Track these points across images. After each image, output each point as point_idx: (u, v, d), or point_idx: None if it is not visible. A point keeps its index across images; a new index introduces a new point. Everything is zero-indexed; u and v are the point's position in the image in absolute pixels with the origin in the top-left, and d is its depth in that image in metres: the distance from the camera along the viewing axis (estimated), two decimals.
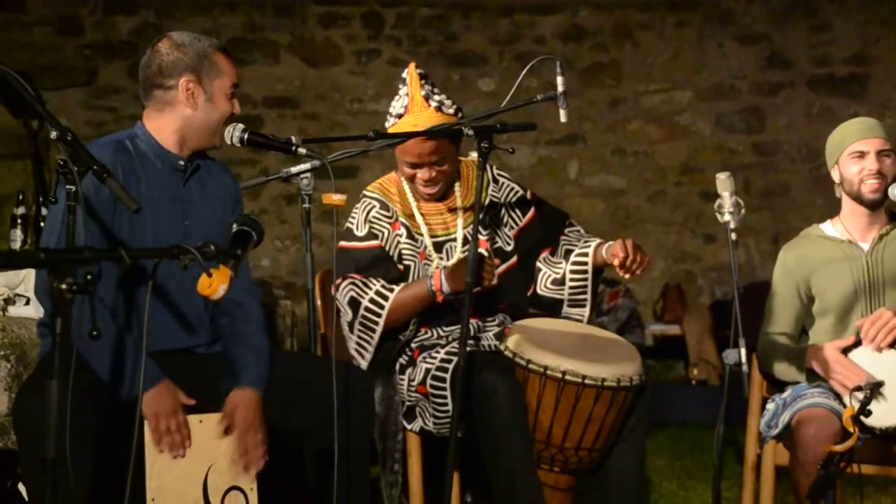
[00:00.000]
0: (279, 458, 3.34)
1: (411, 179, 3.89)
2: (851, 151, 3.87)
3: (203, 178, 3.40)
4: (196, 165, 3.38)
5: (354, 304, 3.78)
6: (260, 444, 3.21)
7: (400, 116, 3.84)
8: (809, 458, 3.47)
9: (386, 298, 3.77)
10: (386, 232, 3.87)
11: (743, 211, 3.77)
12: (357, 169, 8.18)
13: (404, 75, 3.89)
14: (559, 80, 3.68)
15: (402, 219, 3.89)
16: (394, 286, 3.79)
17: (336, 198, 3.29)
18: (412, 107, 3.82)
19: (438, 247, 3.92)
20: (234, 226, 2.98)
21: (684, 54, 8.45)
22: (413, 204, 3.94)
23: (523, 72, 3.67)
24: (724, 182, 3.75)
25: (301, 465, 3.41)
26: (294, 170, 3.59)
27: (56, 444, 2.31)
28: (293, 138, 3.28)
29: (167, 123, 3.29)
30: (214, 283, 2.69)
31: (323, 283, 4.09)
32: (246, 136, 3.30)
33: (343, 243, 3.89)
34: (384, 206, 3.90)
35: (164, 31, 3.42)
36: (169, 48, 3.28)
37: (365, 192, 3.96)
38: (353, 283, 3.79)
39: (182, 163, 3.33)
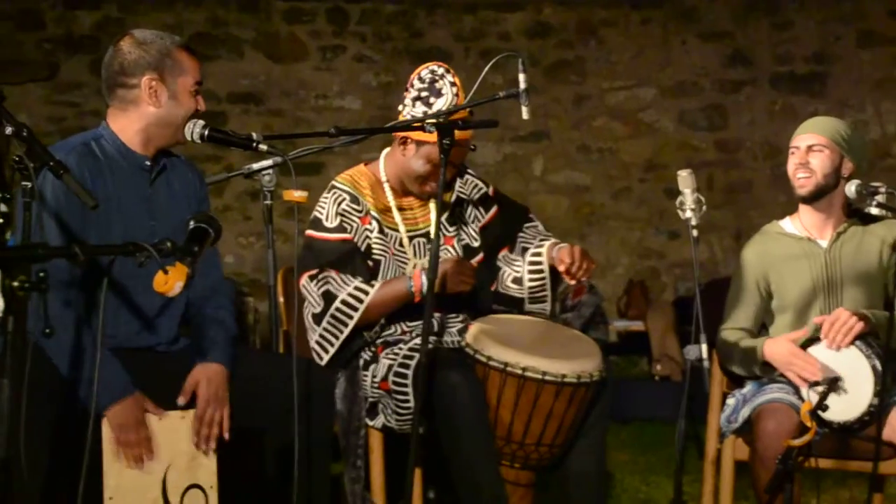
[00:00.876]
0: (240, 455, 3.33)
1: (425, 179, 3.86)
2: (790, 148, 3.93)
3: (169, 177, 3.39)
4: (163, 165, 3.37)
5: (329, 297, 3.75)
6: (220, 420, 3.21)
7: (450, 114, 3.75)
8: (768, 452, 3.49)
9: (366, 293, 3.74)
10: (356, 226, 3.84)
11: (704, 207, 3.79)
12: (322, 165, 8.16)
13: (447, 75, 3.83)
14: (521, 76, 3.68)
15: (373, 213, 3.87)
16: (372, 283, 3.78)
17: (297, 194, 3.29)
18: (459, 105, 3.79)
19: (409, 242, 3.91)
20: (191, 223, 2.97)
21: (648, 52, 8.48)
22: (391, 198, 3.93)
23: (485, 69, 3.68)
24: (685, 179, 3.77)
25: (262, 462, 3.40)
26: (256, 166, 3.59)
27: (9, 444, 2.29)
28: (254, 135, 3.27)
29: (131, 123, 3.28)
30: (171, 281, 2.68)
31: (286, 279, 4.08)
32: (206, 133, 3.29)
33: (311, 232, 3.86)
34: (354, 200, 3.86)
35: (127, 25, 3.41)
36: (131, 46, 3.27)
37: (334, 182, 3.92)
38: (330, 278, 3.76)
39: (148, 163, 3.32)
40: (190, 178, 3.46)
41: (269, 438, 3.36)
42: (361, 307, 3.73)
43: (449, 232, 3.98)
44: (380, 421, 3.79)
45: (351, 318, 3.74)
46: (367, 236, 3.84)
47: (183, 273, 2.72)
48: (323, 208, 3.87)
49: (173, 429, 3.16)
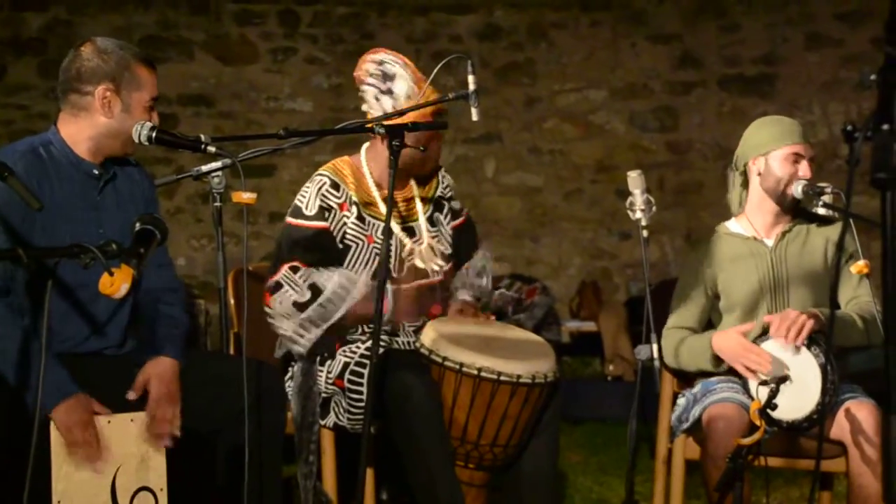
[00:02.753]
0: (191, 457, 3.32)
1: (422, 162, 3.89)
2: (791, 151, 3.87)
3: (118, 184, 3.37)
4: (113, 173, 3.34)
5: (315, 288, 3.73)
6: (173, 416, 3.20)
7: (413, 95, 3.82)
8: (719, 451, 3.51)
9: (353, 284, 3.75)
10: (334, 212, 3.84)
11: (654, 208, 3.82)
12: (274, 167, 8.15)
13: (399, 60, 3.86)
14: (470, 78, 3.68)
15: (353, 199, 3.87)
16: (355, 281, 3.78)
17: (246, 196, 3.28)
18: (421, 85, 3.85)
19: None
20: (137, 225, 2.96)
21: (598, 54, 8.51)
22: (375, 192, 3.92)
23: (434, 71, 3.69)
24: (635, 180, 3.79)
25: (212, 464, 3.39)
26: (205, 168, 3.57)
27: None
28: (202, 136, 3.26)
29: (81, 129, 3.26)
30: (116, 282, 2.67)
31: (236, 281, 4.06)
32: (154, 135, 3.27)
33: (291, 220, 3.86)
34: (335, 186, 3.86)
35: (75, 28, 3.39)
36: (91, 53, 3.25)
37: (318, 172, 3.93)
38: (313, 272, 3.75)
39: (96, 171, 3.29)
40: (138, 181, 3.44)
41: (220, 440, 3.35)
42: (348, 300, 3.73)
43: (431, 231, 3.99)
44: (331, 420, 3.79)
45: (339, 307, 3.73)
46: (345, 222, 3.84)
47: (129, 275, 2.71)
48: (304, 196, 3.87)
49: (122, 431, 3.14)
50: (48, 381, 2.98)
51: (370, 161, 3.94)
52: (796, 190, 3.81)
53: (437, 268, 3.96)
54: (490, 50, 8.45)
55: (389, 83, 3.83)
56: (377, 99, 3.85)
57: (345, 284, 3.74)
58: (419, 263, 3.93)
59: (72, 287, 3.21)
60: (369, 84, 3.85)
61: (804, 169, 3.86)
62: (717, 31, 8.46)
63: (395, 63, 3.84)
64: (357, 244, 3.85)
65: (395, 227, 3.89)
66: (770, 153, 3.90)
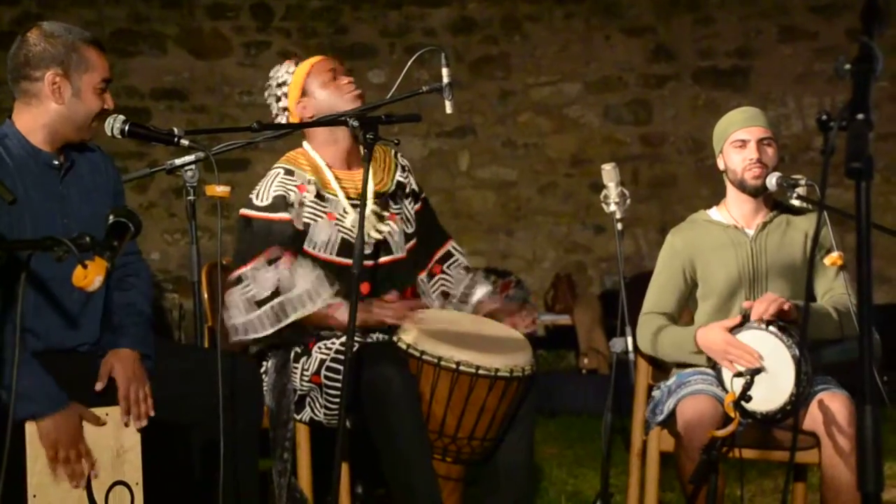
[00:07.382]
0: (166, 451, 3.31)
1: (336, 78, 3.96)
2: (734, 140, 3.91)
3: (80, 172, 3.32)
4: (72, 161, 3.30)
5: (279, 289, 3.72)
6: (145, 397, 3.18)
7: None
8: (693, 443, 3.51)
9: (312, 302, 3.74)
10: (293, 194, 3.82)
11: (629, 201, 3.81)
12: (248, 161, 8.13)
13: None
14: (444, 71, 3.69)
15: (310, 177, 3.86)
16: (319, 293, 3.77)
17: (220, 189, 3.27)
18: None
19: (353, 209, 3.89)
20: (111, 217, 2.94)
21: (572, 46, 8.53)
22: (327, 172, 3.91)
23: (408, 63, 3.68)
24: (609, 173, 3.79)
25: (188, 458, 3.38)
26: (178, 161, 3.55)
27: None
28: (175, 130, 3.24)
29: (35, 118, 3.21)
30: (90, 275, 2.65)
31: (210, 276, 4.04)
32: (127, 128, 3.25)
33: (244, 211, 3.85)
34: (289, 172, 3.86)
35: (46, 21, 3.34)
36: (37, 39, 3.21)
37: (273, 166, 3.93)
38: (281, 273, 3.73)
39: (56, 161, 3.24)
40: (103, 171, 3.39)
41: (196, 434, 3.34)
42: (303, 312, 3.72)
43: (393, 209, 3.99)
44: (307, 415, 3.78)
45: (288, 316, 3.72)
46: (304, 202, 3.83)
47: (102, 267, 2.70)
48: (257, 188, 3.86)
49: (97, 426, 3.13)
50: (36, 387, 2.97)
51: (318, 147, 3.96)
52: (770, 182, 3.82)
53: (379, 235, 3.94)
54: (464, 43, 8.44)
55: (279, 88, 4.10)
56: (277, 101, 4.07)
57: (311, 295, 3.72)
58: (372, 232, 3.91)
59: (43, 282, 3.18)
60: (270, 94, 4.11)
61: (750, 151, 3.87)
62: (691, 23, 8.49)
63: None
64: (316, 221, 3.83)
65: (347, 204, 3.88)
66: (723, 149, 3.95)
